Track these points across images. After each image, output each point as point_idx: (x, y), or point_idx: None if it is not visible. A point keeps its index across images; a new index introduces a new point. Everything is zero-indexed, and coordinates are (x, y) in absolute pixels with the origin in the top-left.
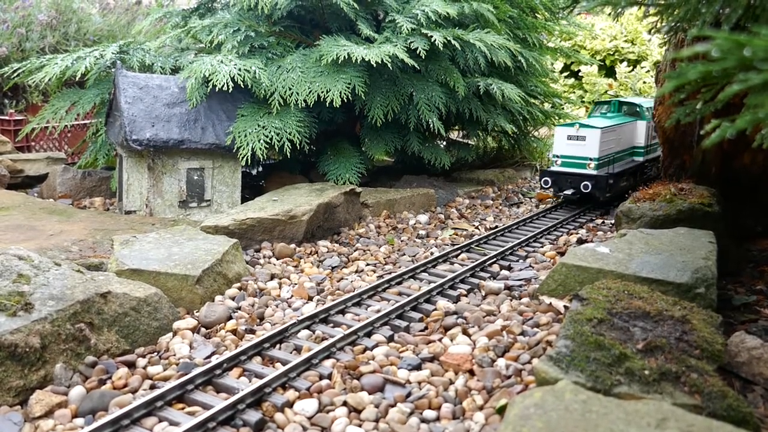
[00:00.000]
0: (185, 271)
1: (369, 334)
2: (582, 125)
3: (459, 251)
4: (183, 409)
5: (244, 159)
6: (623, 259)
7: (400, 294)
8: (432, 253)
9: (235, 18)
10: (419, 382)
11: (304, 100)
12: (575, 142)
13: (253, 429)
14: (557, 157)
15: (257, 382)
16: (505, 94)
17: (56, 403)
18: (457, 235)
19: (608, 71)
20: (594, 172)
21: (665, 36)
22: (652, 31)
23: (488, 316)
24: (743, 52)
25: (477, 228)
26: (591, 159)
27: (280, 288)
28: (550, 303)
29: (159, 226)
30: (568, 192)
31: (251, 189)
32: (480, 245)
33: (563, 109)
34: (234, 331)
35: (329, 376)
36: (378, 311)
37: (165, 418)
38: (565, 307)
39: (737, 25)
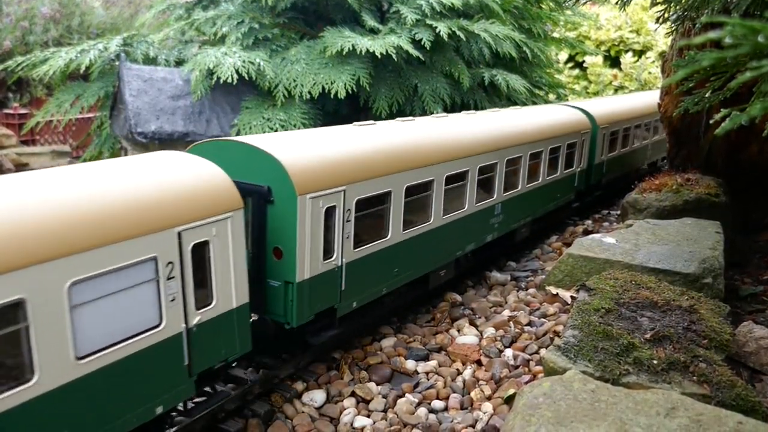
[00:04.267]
0: None
1: None
2: None
3: None
4: None
5: None
6: (630, 249)
7: None
8: None
9: (238, 10)
10: (427, 373)
11: (309, 92)
12: None
13: None
14: None
15: None
16: (509, 85)
17: None
18: None
19: (613, 62)
20: None
21: (672, 25)
22: (660, 20)
23: (495, 307)
24: (757, 38)
25: None
26: None
27: None
28: (557, 293)
29: None
30: None
31: None
32: None
33: (568, 99)
34: None
35: (337, 367)
36: None
37: None
38: (572, 297)
39: (746, 12)
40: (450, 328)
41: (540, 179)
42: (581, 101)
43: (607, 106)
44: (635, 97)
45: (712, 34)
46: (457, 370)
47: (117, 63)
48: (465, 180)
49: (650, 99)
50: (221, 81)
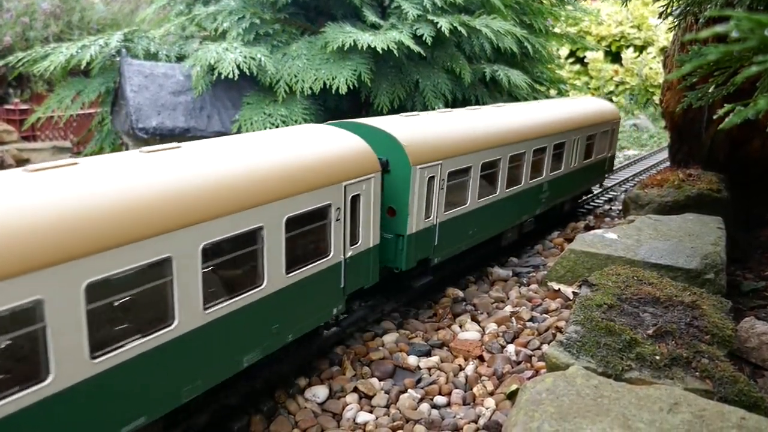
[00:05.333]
0: None
1: None
2: None
3: None
4: None
5: None
6: (632, 245)
7: None
8: None
9: (239, 5)
10: (429, 369)
11: (310, 88)
12: None
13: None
14: None
15: None
16: (511, 80)
17: None
18: None
19: (614, 57)
20: None
21: (675, 20)
22: (663, 15)
23: (497, 302)
24: (764, 32)
25: None
26: None
27: None
28: (559, 289)
29: None
30: None
31: None
32: None
33: (568, 95)
34: None
35: (339, 363)
36: None
37: None
38: (574, 293)
39: (749, 8)
40: (452, 323)
41: (206, 311)
42: (386, 119)
43: (442, 126)
44: (515, 109)
45: (719, 28)
46: (460, 365)
47: (118, 59)
48: None
49: (546, 109)
50: (222, 76)
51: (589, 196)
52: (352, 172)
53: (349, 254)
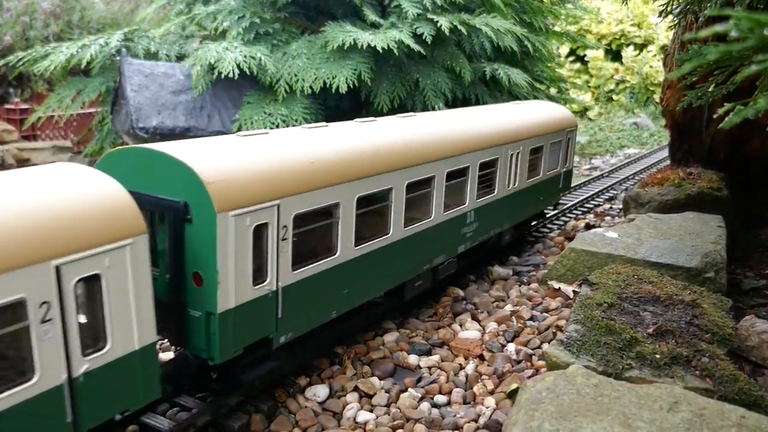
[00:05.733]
0: None
1: None
2: None
3: None
4: None
5: None
6: (632, 243)
7: None
8: None
9: (239, 5)
10: (429, 368)
11: (310, 87)
12: None
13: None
14: None
15: None
16: (511, 79)
17: None
18: None
19: (614, 55)
20: None
21: (675, 19)
22: (663, 13)
23: (497, 302)
24: (764, 31)
25: None
26: None
27: None
28: (559, 288)
29: None
30: None
31: None
32: None
33: (569, 93)
34: None
35: (340, 362)
36: None
37: None
38: (574, 292)
39: (749, 7)
40: (452, 322)
41: None
42: (192, 142)
43: (287, 149)
44: (422, 120)
45: (719, 27)
46: (460, 364)
47: (118, 58)
48: None
49: (469, 118)
50: (222, 76)
51: (540, 221)
52: (81, 240)
53: (83, 369)
